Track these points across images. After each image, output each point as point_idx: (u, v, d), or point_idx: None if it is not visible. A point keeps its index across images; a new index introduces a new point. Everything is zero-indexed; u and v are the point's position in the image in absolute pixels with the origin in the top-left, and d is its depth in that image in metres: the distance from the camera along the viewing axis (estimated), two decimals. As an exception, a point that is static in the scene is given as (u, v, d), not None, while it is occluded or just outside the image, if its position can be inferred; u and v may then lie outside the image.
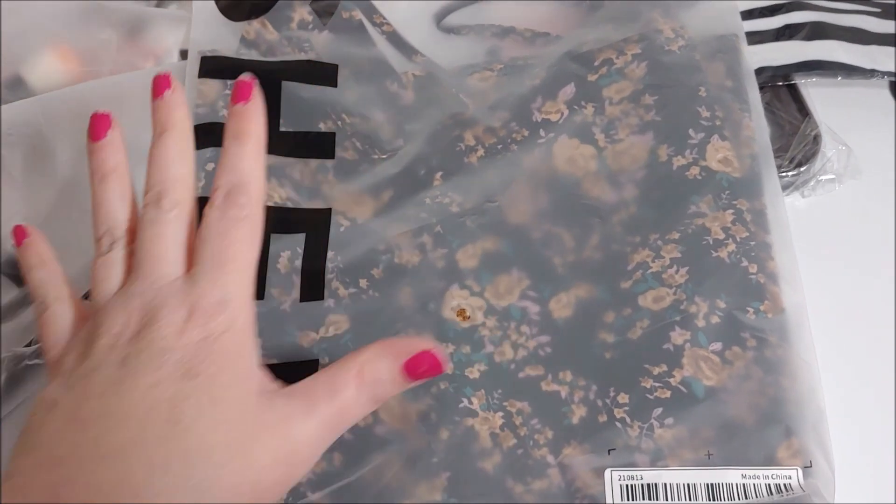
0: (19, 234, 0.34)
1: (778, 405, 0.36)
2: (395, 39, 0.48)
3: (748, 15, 0.47)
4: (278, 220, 0.42)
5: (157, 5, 0.51)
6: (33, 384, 0.40)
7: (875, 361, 0.40)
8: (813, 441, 0.35)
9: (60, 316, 0.32)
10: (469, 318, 0.39)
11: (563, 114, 0.44)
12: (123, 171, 0.34)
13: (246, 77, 0.34)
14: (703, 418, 0.36)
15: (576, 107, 0.44)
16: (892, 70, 0.46)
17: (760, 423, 0.35)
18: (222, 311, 0.29)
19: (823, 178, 0.43)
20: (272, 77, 0.45)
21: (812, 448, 0.35)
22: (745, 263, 0.39)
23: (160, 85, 0.34)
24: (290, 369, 0.39)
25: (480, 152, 0.44)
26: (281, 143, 0.44)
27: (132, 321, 0.29)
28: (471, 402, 0.37)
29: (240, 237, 0.31)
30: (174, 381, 0.27)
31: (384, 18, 0.48)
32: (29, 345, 0.39)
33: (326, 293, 0.40)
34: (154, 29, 0.49)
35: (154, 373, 0.27)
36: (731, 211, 0.40)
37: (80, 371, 0.28)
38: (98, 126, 0.34)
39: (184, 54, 0.48)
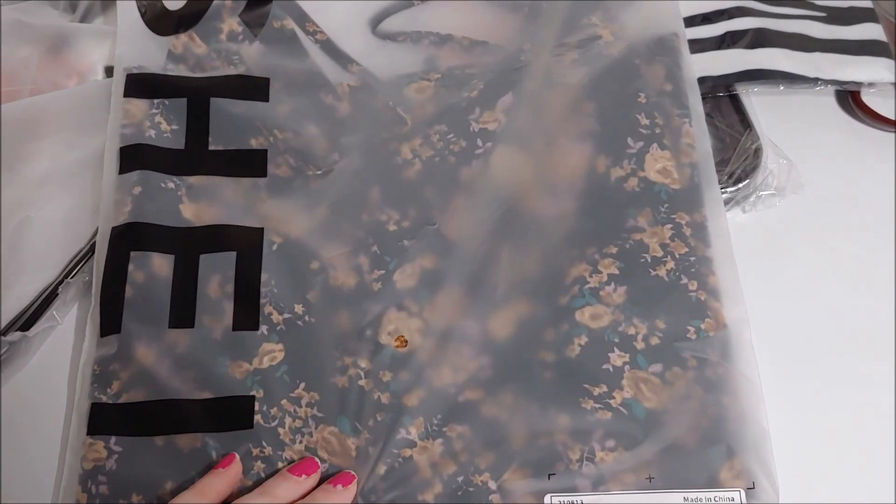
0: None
1: (719, 425, 0.35)
2: (330, 48, 0.46)
3: (689, 22, 0.46)
4: (207, 239, 0.41)
5: (82, 20, 0.49)
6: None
7: (817, 376, 0.39)
8: (755, 461, 0.35)
9: None
10: (407, 343, 0.38)
11: (500, 122, 0.43)
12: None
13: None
14: (645, 441, 0.35)
15: (513, 114, 0.43)
16: (837, 78, 0.45)
17: (702, 444, 0.35)
18: None
19: (764, 193, 0.42)
20: (200, 94, 0.44)
21: (754, 468, 0.34)
22: (684, 281, 0.38)
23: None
24: (224, 404, 0.37)
25: (418, 166, 0.43)
26: (210, 162, 0.43)
27: None
28: (409, 432, 0.36)
29: None
30: None
31: (317, 26, 0.47)
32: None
33: (260, 319, 0.39)
34: (77, 45, 0.47)
35: None
36: (669, 226, 0.39)
37: None
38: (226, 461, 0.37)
39: (109, 71, 0.46)
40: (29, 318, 0.40)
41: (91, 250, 0.41)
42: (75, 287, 0.41)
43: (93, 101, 0.44)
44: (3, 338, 0.39)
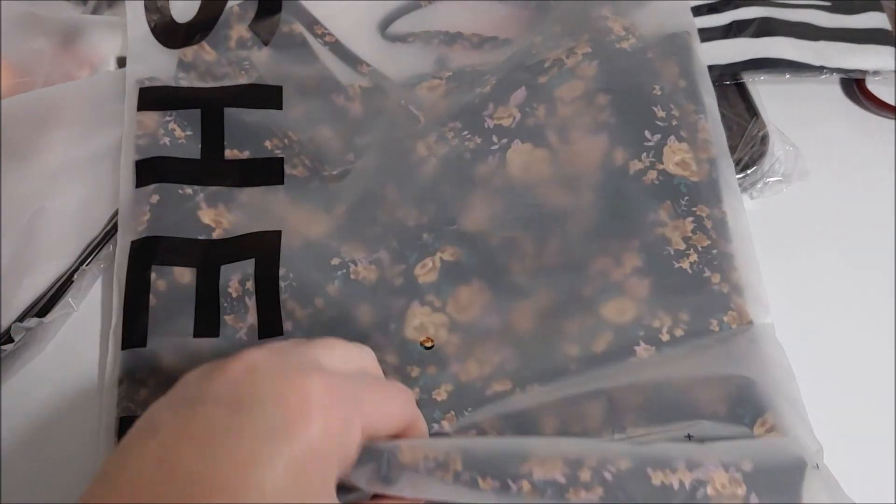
0: None
1: (748, 391, 0.34)
2: (339, 50, 0.47)
3: (696, 11, 0.46)
4: (227, 252, 0.40)
5: (93, 12, 0.49)
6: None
7: (823, 364, 0.39)
8: (791, 414, 0.34)
9: None
10: (433, 342, 0.38)
11: (515, 118, 0.42)
12: None
13: None
14: (677, 415, 0.34)
15: (528, 109, 0.42)
16: (841, 66, 0.46)
17: (732, 410, 0.34)
18: None
19: (771, 179, 0.43)
20: (213, 105, 0.44)
21: (789, 422, 0.33)
22: (707, 274, 0.37)
23: None
24: None
25: (433, 162, 0.42)
26: (227, 171, 0.43)
27: None
28: (441, 426, 0.36)
29: None
30: None
31: (326, 29, 0.47)
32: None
33: (283, 315, 0.39)
34: (89, 36, 0.47)
35: None
36: (690, 219, 0.38)
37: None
38: None
39: (121, 61, 0.47)
40: (45, 305, 0.40)
41: (105, 237, 0.41)
42: (90, 274, 0.41)
43: (106, 91, 0.44)
44: (20, 324, 0.39)
